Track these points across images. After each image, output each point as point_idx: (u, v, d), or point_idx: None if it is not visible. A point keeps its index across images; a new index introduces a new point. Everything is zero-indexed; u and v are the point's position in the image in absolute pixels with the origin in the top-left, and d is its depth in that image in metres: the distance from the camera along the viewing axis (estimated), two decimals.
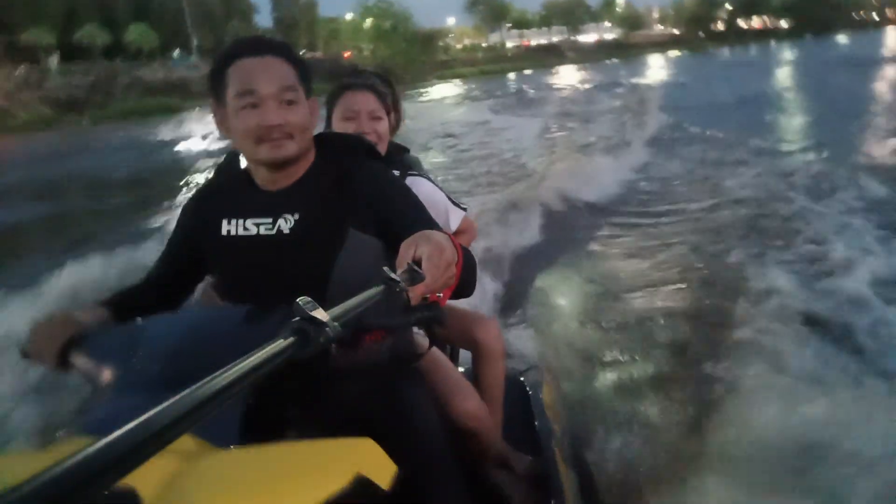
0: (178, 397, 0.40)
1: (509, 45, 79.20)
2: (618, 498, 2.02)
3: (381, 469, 0.65)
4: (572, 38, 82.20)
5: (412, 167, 1.76)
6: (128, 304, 1.20)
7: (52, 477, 0.31)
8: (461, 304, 1.63)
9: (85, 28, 38.07)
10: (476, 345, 1.64)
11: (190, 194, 1.30)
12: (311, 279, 0.94)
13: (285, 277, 1.07)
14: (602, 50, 73.83)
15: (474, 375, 1.62)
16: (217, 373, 0.44)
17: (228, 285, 1.20)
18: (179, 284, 1.26)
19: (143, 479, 0.54)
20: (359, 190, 1.13)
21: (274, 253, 1.11)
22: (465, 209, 1.80)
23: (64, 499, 0.31)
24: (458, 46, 74.89)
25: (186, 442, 0.69)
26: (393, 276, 0.72)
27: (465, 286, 1.04)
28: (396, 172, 1.45)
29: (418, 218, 1.12)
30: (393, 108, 1.78)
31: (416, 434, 1.04)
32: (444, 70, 55.43)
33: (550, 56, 67.97)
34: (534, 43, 79.90)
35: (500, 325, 1.78)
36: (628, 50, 72.08)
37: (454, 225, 1.74)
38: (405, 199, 1.17)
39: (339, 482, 0.60)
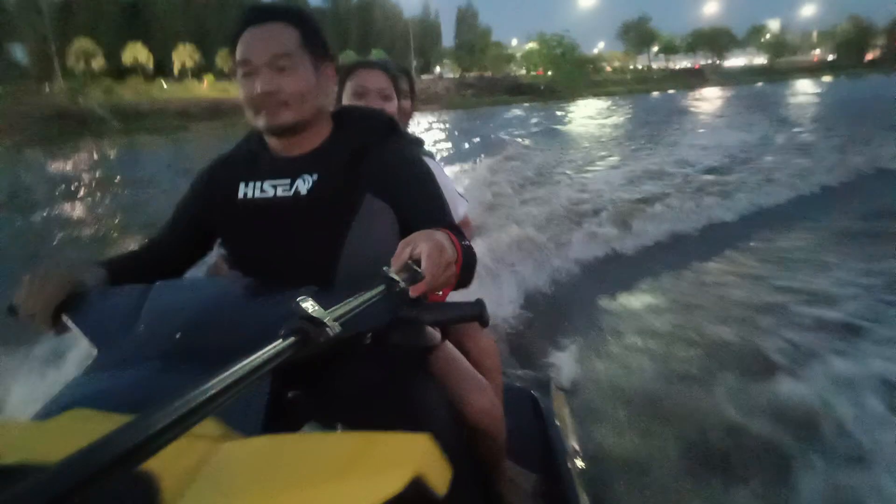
0: (173, 398, 0.39)
1: (655, 67, 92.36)
2: None
3: (440, 471, 0.55)
4: (717, 62, 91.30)
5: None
6: (129, 267, 1.15)
7: (72, 461, 0.32)
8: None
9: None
10: (466, 356, 1.52)
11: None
12: (324, 245, 0.94)
13: (299, 242, 1.07)
14: (747, 74, 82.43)
15: None
16: (216, 372, 0.44)
17: (240, 252, 1.16)
18: (186, 252, 1.22)
19: (165, 463, 0.48)
20: (377, 165, 1.12)
21: (289, 216, 1.08)
22: (466, 201, 1.74)
23: (87, 481, 0.32)
24: (609, 69, 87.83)
25: (211, 427, 0.64)
26: (393, 275, 0.72)
27: (463, 281, 1.01)
28: None
29: (433, 207, 1.11)
30: (408, 95, 1.80)
31: (429, 428, 1.00)
32: (597, 88, 64.41)
33: (693, 78, 75.35)
34: (678, 66, 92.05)
35: (494, 338, 1.67)
36: (773, 74, 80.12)
37: (461, 213, 1.69)
38: (423, 183, 1.14)
39: (395, 483, 0.50)
